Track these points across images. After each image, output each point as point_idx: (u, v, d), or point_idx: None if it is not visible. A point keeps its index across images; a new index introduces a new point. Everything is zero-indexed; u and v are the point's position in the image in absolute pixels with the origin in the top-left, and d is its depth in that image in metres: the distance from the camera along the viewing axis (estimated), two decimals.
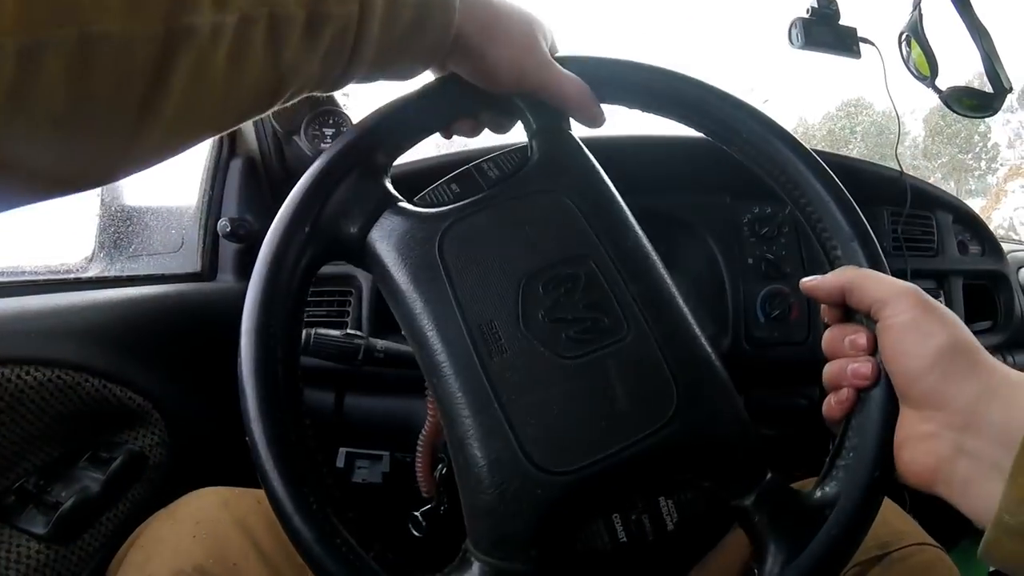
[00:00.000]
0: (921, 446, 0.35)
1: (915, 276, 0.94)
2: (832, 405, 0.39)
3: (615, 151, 0.89)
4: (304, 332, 0.54)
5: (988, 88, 0.81)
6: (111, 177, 0.32)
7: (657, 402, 0.39)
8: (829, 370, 0.39)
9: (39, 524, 0.56)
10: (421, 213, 0.43)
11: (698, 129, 0.47)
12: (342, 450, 0.83)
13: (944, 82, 0.82)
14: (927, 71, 0.81)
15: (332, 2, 0.33)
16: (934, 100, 0.83)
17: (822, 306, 0.41)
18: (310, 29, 0.33)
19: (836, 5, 0.83)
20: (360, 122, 0.45)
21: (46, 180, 0.29)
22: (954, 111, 0.84)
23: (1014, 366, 1.04)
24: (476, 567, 0.38)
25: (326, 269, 0.46)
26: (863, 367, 0.37)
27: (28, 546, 0.55)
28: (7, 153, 0.26)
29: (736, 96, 0.46)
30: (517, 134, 0.49)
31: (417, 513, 0.69)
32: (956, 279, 0.99)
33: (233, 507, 0.54)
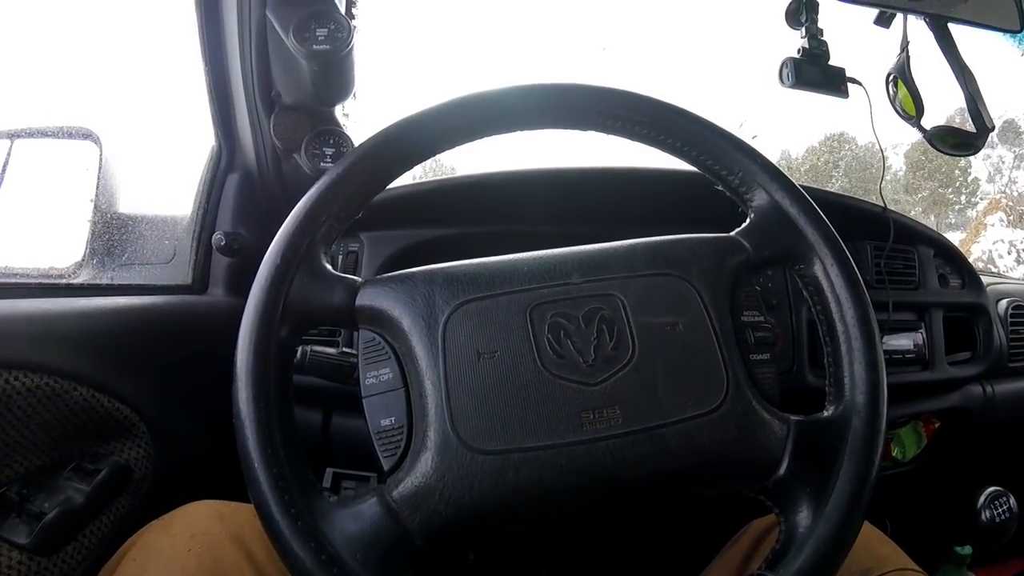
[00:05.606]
0: None
1: (896, 308, 0.96)
2: None
3: (609, 183, 0.90)
4: (300, 349, 0.54)
5: (971, 126, 0.84)
6: None
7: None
8: None
9: (22, 534, 0.55)
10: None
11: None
12: (329, 470, 0.81)
13: (928, 120, 0.85)
14: (913, 111, 0.83)
15: None
16: (916, 136, 0.85)
17: None
18: None
19: (826, 45, 0.84)
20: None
21: None
22: (938, 149, 0.86)
23: (993, 395, 1.07)
24: None
25: None
26: None
27: (10, 555, 0.54)
28: None
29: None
30: None
31: None
32: (937, 311, 1.01)
33: (228, 521, 0.54)
